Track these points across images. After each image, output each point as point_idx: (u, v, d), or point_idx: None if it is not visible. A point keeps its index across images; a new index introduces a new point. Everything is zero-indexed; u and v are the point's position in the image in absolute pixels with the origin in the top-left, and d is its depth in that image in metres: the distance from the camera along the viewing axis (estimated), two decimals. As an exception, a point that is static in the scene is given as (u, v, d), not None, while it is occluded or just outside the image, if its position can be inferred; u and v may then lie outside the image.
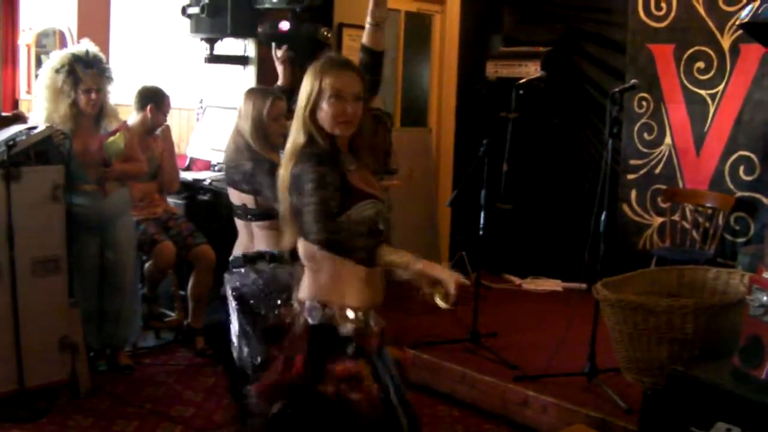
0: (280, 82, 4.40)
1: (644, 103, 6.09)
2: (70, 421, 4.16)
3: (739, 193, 5.60)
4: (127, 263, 4.78)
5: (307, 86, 2.59)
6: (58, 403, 4.33)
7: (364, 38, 3.16)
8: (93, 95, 4.64)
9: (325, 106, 2.55)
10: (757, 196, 5.53)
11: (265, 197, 3.54)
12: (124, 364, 4.86)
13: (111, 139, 4.70)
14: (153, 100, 5.24)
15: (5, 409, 4.14)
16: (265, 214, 3.58)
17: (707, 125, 5.77)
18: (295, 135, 2.59)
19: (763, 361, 2.97)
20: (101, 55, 4.79)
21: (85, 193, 4.60)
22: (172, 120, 5.63)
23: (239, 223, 3.77)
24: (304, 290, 2.63)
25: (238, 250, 3.76)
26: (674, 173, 5.97)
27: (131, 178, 4.94)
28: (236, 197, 3.72)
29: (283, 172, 2.58)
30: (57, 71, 4.60)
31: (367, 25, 3.13)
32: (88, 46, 4.73)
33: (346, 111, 2.55)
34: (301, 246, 2.61)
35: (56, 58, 4.68)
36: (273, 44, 4.69)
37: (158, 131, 5.36)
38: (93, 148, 4.66)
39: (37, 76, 4.86)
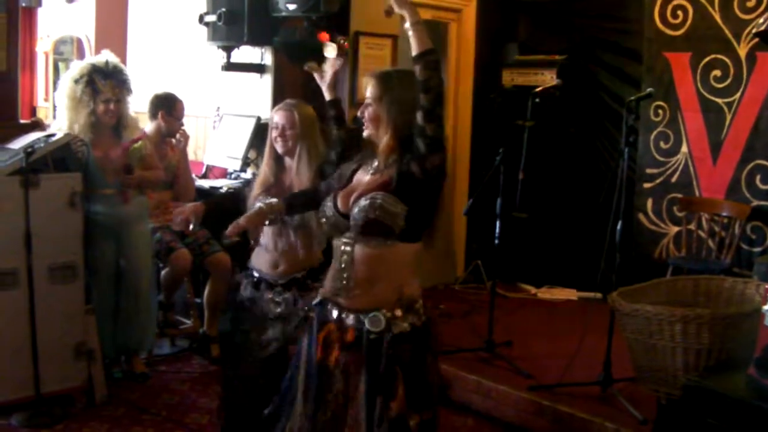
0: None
1: (660, 111, 6.07)
2: (85, 428, 4.19)
3: (756, 202, 5.57)
4: (142, 270, 4.81)
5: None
6: (73, 409, 4.36)
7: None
8: (112, 106, 4.66)
9: None
10: (774, 205, 5.51)
11: None
12: (140, 371, 4.88)
13: (134, 146, 4.73)
14: (163, 106, 5.26)
15: (22, 415, 4.17)
16: None
17: (724, 133, 5.75)
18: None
19: (779, 371, 2.96)
20: (121, 65, 4.82)
21: (104, 198, 4.64)
22: (189, 127, 5.63)
23: None
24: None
25: None
26: (690, 182, 5.94)
27: (150, 186, 4.96)
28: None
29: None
30: (76, 81, 4.63)
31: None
32: (108, 56, 4.74)
33: None
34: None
35: (76, 68, 4.71)
36: None
37: (179, 137, 5.35)
38: (113, 155, 4.69)
39: (55, 83, 4.89)
